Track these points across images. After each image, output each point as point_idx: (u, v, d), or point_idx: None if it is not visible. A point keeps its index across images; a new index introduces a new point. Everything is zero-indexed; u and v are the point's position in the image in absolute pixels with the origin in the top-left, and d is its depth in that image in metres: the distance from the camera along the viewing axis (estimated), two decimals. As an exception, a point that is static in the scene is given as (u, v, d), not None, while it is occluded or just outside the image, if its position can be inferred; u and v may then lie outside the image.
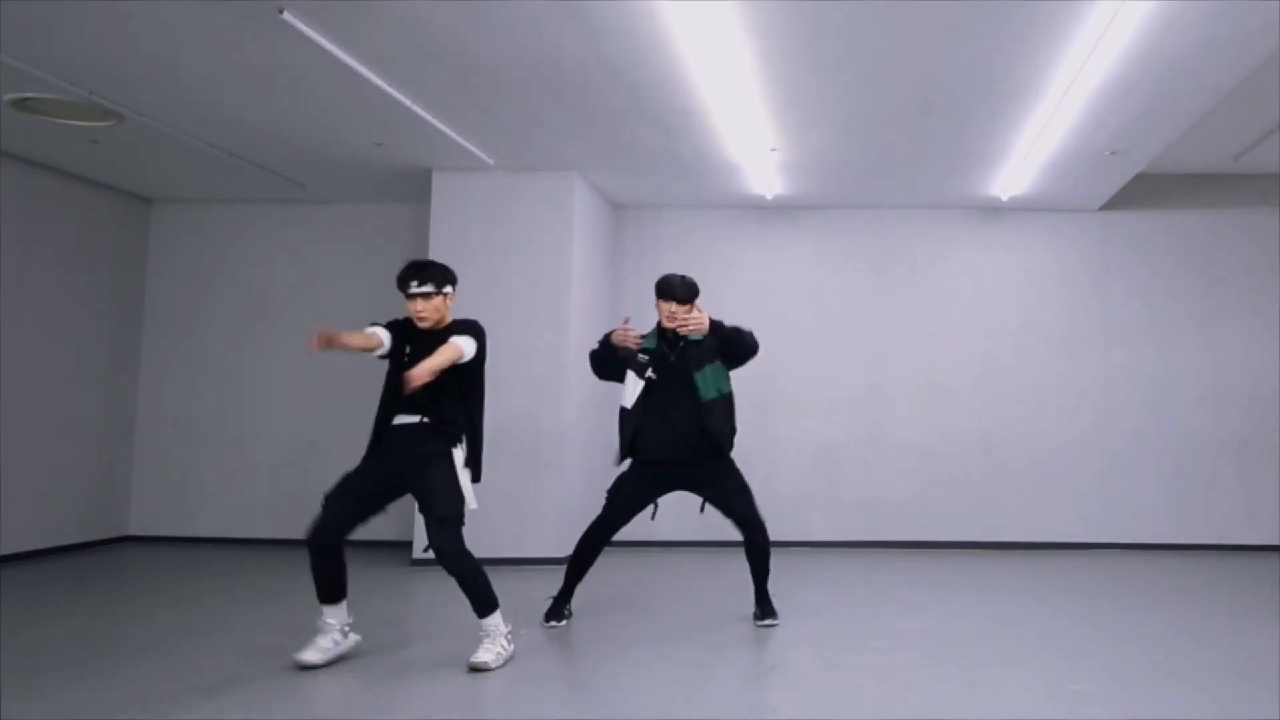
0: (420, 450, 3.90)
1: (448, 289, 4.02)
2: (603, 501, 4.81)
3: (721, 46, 4.40)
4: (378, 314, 7.45)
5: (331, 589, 3.92)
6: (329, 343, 3.72)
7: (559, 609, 4.69)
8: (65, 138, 5.90)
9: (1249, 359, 7.39)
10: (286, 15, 4.03)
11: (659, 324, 4.62)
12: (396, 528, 7.26)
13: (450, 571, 3.92)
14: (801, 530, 7.43)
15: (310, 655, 3.81)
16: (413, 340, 3.99)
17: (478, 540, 7.14)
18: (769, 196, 7.30)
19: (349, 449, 7.77)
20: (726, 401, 4.56)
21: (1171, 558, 7.00)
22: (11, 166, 6.38)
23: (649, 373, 4.51)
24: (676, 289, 4.53)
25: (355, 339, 3.90)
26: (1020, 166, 6.38)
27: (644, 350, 4.59)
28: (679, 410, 4.46)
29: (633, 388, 4.54)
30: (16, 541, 6.42)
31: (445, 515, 3.87)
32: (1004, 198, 7.23)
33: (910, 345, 7.58)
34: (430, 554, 3.96)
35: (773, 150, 6.11)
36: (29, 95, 5.10)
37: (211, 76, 4.83)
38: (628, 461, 4.71)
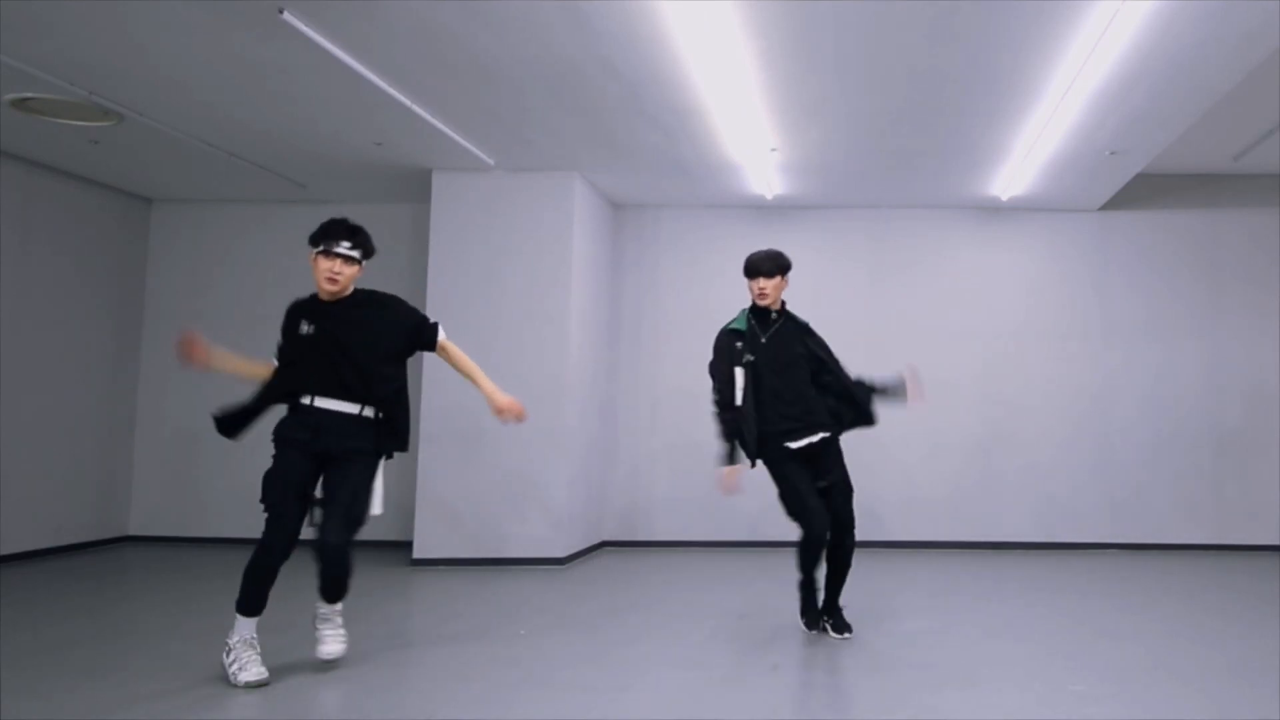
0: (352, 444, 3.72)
1: (356, 252, 3.76)
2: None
3: (721, 46, 4.40)
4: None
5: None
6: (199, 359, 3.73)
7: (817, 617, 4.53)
8: (65, 138, 5.90)
9: (1249, 358, 7.39)
10: (286, 15, 4.03)
11: (751, 306, 4.49)
12: (396, 528, 7.29)
13: (333, 562, 3.70)
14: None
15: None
16: (315, 315, 3.76)
17: (479, 540, 7.15)
18: (769, 196, 7.30)
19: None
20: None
21: (1171, 558, 7.00)
22: (11, 166, 6.38)
23: (747, 356, 4.33)
24: (762, 264, 4.40)
25: (235, 366, 3.85)
26: (1020, 166, 6.38)
27: (734, 331, 4.43)
28: (792, 388, 4.31)
29: (738, 382, 4.31)
30: (16, 541, 6.42)
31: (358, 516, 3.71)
32: (1004, 198, 7.23)
33: (910, 345, 7.57)
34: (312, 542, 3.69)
35: (773, 150, 6.11)
36: (29, 95, 5.10)
37: (211, 76, 4.83)
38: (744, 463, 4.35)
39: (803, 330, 4.53)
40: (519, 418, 3.96)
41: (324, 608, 3.85)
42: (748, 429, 4.24)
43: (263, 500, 3.63)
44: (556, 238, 6.64)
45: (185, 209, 7.71)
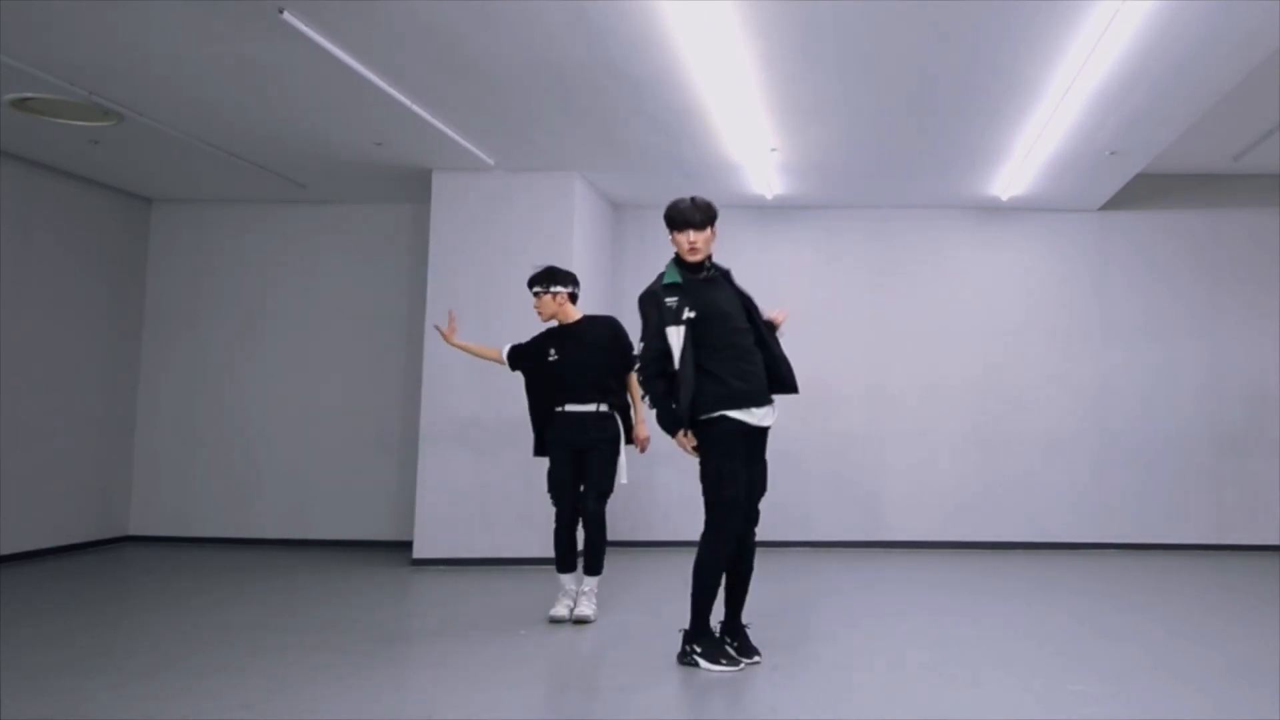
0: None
1: (555, 289, 4.84)
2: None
3: (721, 46, 4.40)
4: (378, 314, 7.58)
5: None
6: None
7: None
8: (65, 138, 5.90)
9: (1249, 358, 7.39)
10: (286, 15, 4.03)
11: (676, 259, 3.92)
12: (396, 528, 7.29)
13: (589, 531, 4.79)
14: (802, 530, 7.43)
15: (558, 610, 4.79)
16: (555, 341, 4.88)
17: (479, 540, 7.17)
18: (769, 196, 7.30)
19: (348, 449, 7.81)
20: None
21: (1171, 558, 7.00)
22: (11, 166, 6.38)
23: (688, 313, 3.75)
24: (689, 214, 3.81)
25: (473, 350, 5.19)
26: (1020, 166, 6.38)
27: (667, 290, 3.84)
28: (747, 345, 3.83)
29: (675, 343, 3.75)
30: (16, 541, 6.42)
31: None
32: (1004, 198, 7.23)
33: (910, 345, 7.58)
34: None
35: (773, 150, 6.11)
36: (29, 95, 5.10)
37: (211, 76, 4.83)
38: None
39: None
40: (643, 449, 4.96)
41: (587, 581, 4.83)
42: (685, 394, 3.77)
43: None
44: (556, 238, 6.64)
45: (185, 209, 7.71)
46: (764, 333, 3.97)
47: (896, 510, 7.46)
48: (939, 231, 7.66)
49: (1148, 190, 7.42)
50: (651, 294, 3.88)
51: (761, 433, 3.93)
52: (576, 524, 4.86)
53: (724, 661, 3.83)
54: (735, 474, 3.75)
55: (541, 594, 5.31)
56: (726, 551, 3.78)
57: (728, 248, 7.65)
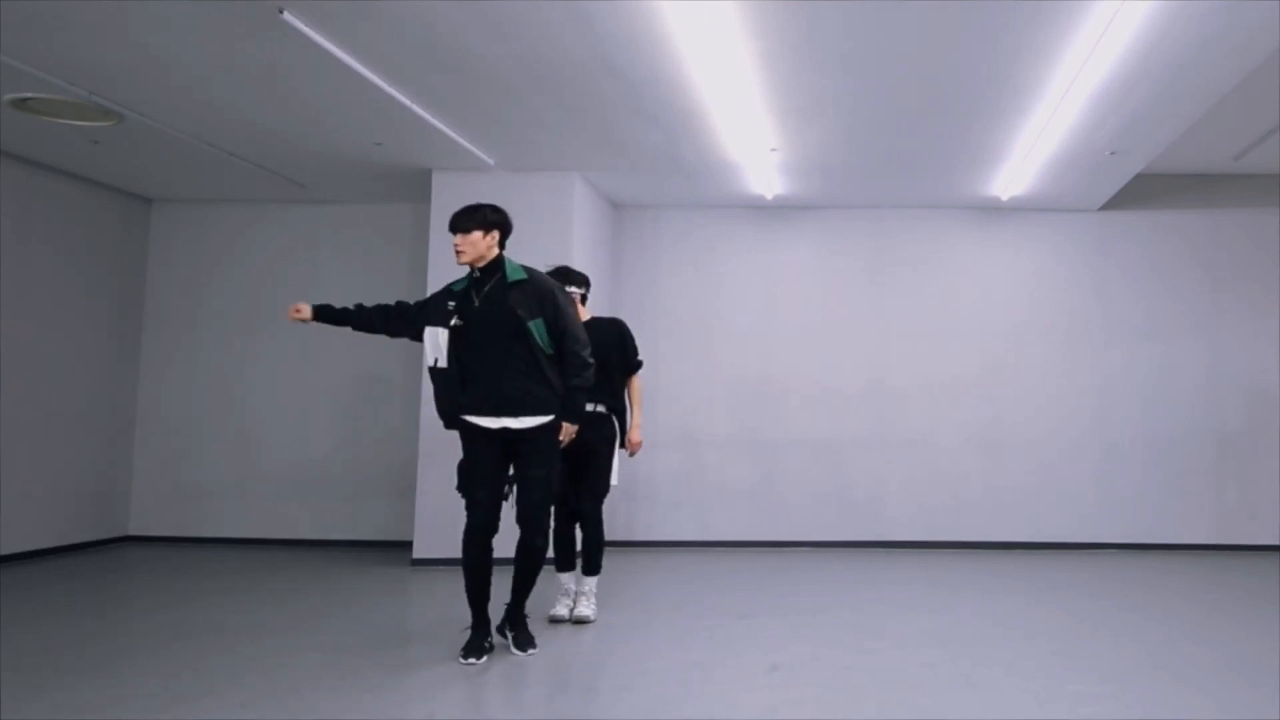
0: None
1: (569, 289, 4.57)
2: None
3: (721, 46, 4.40)
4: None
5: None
6: None
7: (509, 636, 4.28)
8: (65, 138, 5.90)
9: (1249, 358, 7.39)
10: (286, 15, 4.03)
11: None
12: (396, 528, 7.29)
13: (586, 531, 4.78)
14: (801, 530, 7.44)
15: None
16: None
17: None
18: (769, 196, 7.30)
19: (347, 449, 7.81)
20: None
21: (1171, 558, 7.01)
22: (11, 166, 6.38)
23: (455, 320, 4.01)
24: (454, 219, 4.04)
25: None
26: (1020, 166, 6.38)
27: (448, 293, 4.13)
28: (493, 355, 3.99)
29: (438, 344, 4.04)
30: (16, 541, 6.42)
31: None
32: (1004, 198, 7.23)
33: (910, 345, 7.58)
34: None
35: (773, 150, 6.11)
36: (29, 95, 5.10)
37: (212, 76, 4.83)
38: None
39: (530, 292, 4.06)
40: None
41: (586, 581, 4.85)
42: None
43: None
44: (556, 238, 6.64)
45: (185, 209, 7.71)
46: (544, 352, 4.03)
47: (896, 510, 7.46)
48: (939, 231, 7.66)
49: (1148, 190, 7.42)
50: (435, 293, 4.20)
51: (515, 437, 4.01)
52: (575, 523, 4.86)
53: (470, 656, 3.97)
54: (469, 471, 4.03)
55: (540, 594, 5.30)
56: (469, 546, 3.99)
57: (728, 248, 7.70)
